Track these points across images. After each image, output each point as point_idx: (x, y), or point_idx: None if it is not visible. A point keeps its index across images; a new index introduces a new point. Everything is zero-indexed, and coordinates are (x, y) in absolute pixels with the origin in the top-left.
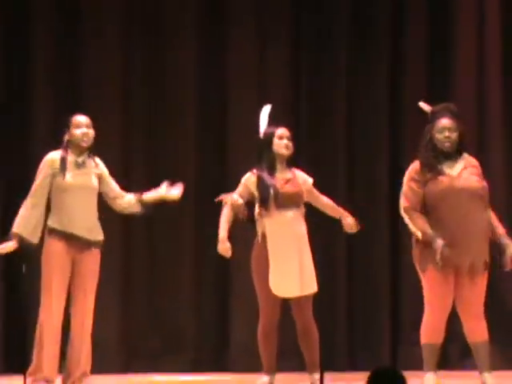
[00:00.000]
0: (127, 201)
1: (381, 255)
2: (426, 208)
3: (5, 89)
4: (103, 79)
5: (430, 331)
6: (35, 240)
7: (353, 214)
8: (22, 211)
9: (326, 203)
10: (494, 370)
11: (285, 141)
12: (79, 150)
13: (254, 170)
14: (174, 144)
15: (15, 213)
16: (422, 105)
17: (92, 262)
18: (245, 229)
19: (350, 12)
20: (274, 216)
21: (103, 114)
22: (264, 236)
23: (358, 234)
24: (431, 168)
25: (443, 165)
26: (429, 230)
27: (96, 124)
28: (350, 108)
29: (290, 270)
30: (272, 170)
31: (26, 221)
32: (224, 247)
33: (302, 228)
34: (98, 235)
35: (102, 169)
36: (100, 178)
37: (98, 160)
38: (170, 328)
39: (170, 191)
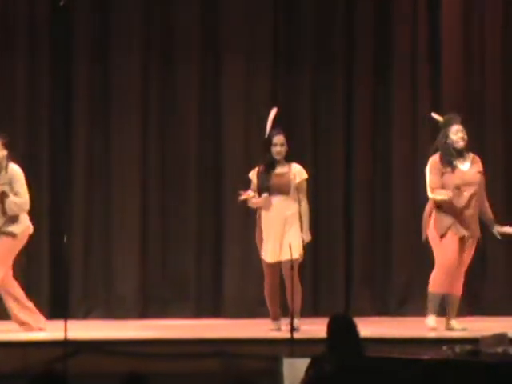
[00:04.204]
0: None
1: (337, 234)
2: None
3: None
4: (128, 93)
5: (438, 283)
6: None
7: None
8: None
9: (301, 205)
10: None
11: (277, 148)
12: None
13: (256, 168)
14: (179, 138)
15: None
16: (434, 115)
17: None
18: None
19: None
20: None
21: (127, 120)
22: (260, 216)
23: (321, 216)
24: (448, 163)
25: (456, 161)
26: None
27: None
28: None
29: (272, 241)
30: (271, 167)
31: None
32: (263, 198)
33: (289, 210)
34: (8, 228)
35: (12, 175)
36: (10, 180)
37: (12, 167)
38: (177, 283)
39: None
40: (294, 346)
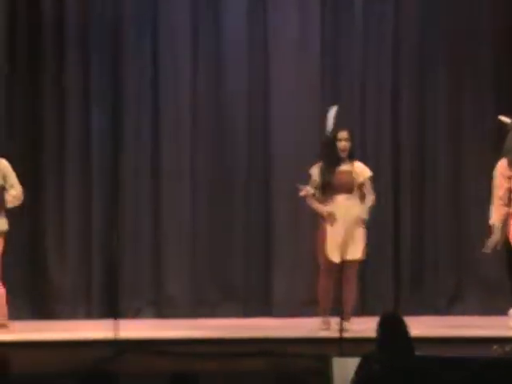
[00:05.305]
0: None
1: (386, 233)
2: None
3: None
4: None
5: None
6: None
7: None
8: None
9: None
10: None
11: (343, 143)
12: None
13: (317, 164)
14: (228, 138)
15: None
16: (503, 118)
17: None
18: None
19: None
20: (329, 199)
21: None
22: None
23: (370, 215)
24: None
25: None
26: (496, 224)
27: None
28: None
29: (335, 240)
30: (335, 164)
31: None
32: (327, 213)
33: (353, 209)
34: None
35: (5, 168)
36: (3, 175)
37: (2, 161)
38: (226, 283)
39: None
40: (344, 346)
